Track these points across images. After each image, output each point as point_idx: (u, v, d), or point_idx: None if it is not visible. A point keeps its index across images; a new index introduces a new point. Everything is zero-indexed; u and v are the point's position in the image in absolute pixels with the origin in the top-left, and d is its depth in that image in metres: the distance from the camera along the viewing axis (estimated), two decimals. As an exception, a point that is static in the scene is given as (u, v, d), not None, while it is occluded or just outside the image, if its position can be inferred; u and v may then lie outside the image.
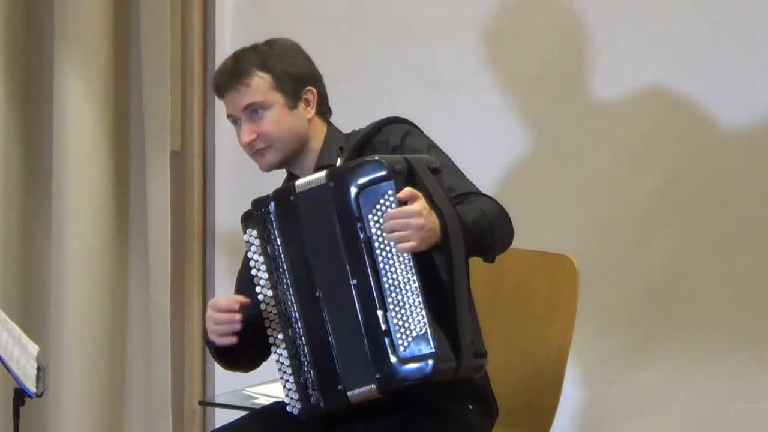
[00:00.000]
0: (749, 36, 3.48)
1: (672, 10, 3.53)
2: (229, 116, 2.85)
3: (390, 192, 2.54)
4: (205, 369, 4.15)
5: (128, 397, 4.07)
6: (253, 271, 2.73)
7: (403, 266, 2.55)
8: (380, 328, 2.56)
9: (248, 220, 2.74)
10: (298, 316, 2.67)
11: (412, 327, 2.54)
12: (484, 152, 3.61)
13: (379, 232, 2.55)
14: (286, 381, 2.71)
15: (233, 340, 2.73)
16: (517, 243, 2.74)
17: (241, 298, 2.73)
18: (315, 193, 2.63)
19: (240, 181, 4.08)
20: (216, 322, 2.73)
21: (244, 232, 2.73)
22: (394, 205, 2.53)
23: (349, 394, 2.62)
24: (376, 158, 2.57)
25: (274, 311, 2.71)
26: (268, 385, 3.41)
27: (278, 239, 2.68)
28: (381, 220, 2.55)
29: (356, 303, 2.59)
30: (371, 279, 2.57)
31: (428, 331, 2.52)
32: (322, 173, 2.63)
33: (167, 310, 3.92)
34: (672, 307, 3.58)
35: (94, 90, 3.90)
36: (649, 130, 3.58)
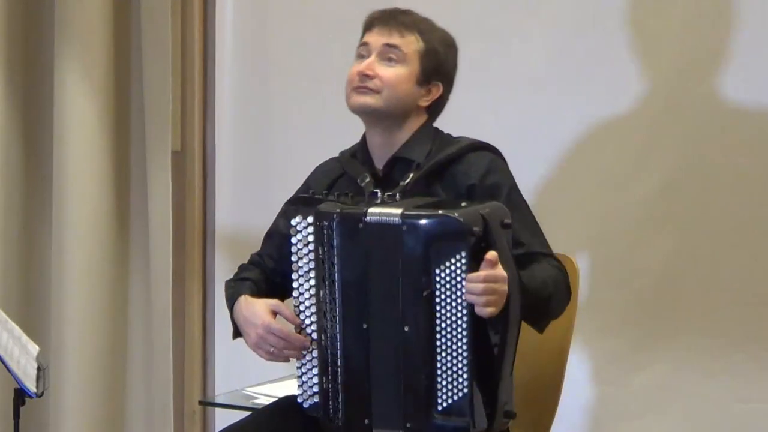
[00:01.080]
0: (749, 36, 3.48)
1: (672, 10, 3.54)
2: (361, 45, 2.83)
3: (463, 253, 2.51)
4: (205, 369, 4.15)
5: (128, 397, 4.06)
6: (294, 257, 2.69)
7: (458, 327, 2.54)
8: (422, 381, 2.57)
9: (303, 207, 2.69)
10: (339, 337, 2.64)
11: (454, 388, 2.55)
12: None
13: (443, 289, 2.53)
14: (304, 373, 2.71)
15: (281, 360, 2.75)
16: (518, 243, 2.74)
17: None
18: (385, 229, 2.59)
19: (240, 181, 4.08)
20: (273, 345, 2.71)
21: (294, 216, 2.68)
22: (464, 267, 2.51)
23: (374, 431, 2.62)
24: (455, 215, 2.52)
25: (307, 303, 2.69)
26: (268, 384, 3.42)
27: (335, 257, 2.64)
28: (447, 278, 2.52)
29: (403, 349, 2.58)
30: (424, 332, 2.56)
31: (469, 395, 2.53)
32: (398, 211, 2.58)
33: (168, 310, 3.92)
34: (672, 307, 3.58)
35: (94, 90, 3.90)
36: (649, 130, 3.58)
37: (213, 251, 4.14)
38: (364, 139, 2.88)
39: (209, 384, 4.14)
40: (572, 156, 3.64)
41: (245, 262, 2.98)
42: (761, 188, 3.49)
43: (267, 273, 2.89)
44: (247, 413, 3.02)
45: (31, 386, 2.83)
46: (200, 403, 4.10)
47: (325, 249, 2.64)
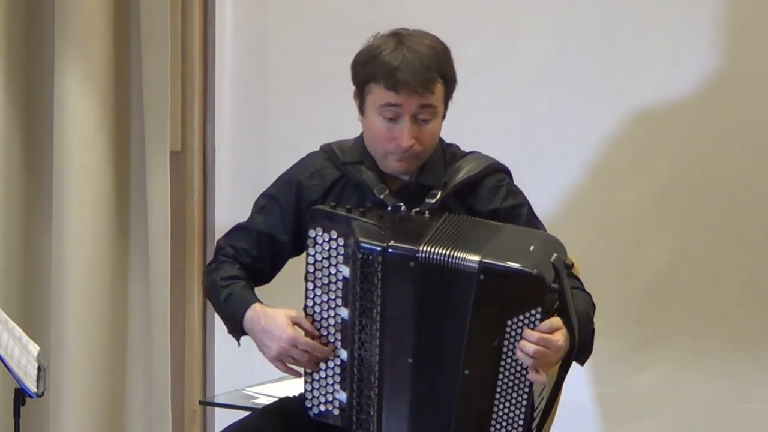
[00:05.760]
0: (749, 36, 3.48)
1: (672, 9, 3.54)
2: (388, 105, 2.69)
3: (539, 308, 2.50)
4: (205, 369, 4.15)
5: (128, 397, 4.07)
6: (311, 267, 2.65)
7: (522, 377, 2.54)
8: (474, 422, 2.57)
9: (323, 220, 2.64)
10: (376, 367, 2.61)
11: None
12: (483, 152, 3.62)
13: (511, 341, 2.52)
14: (316, 380, 2.69)
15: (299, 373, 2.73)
16: (518, 243, 2.74)
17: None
18: (456, 272, 2.54)
19: (240, 181, 4.08)
20: (297, 358, 2.68)
21: (313, 227, 2.63)
22: (537, 322, 2.50)
23: None
24: (536, 272, 2.49)
25: (325, 315, 2.66)
26: (268, 384, 3.42)
27: (378, 290, 2.58)
28: (518, 330, 2.51)
29: (458, 391, 2.57)
30: (486, 377, 2.54)
31: None
32: (476, 258, 2.52)
33: (167, 310, 3.92)
34: (672, 307, 3.58)
35: (94, 90, 3.90)
36: (649, 130, 3.58)
37: (213, 251, 4.14)
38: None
39: (209, 384, 4.14)
40: (572, 156, 3.64)
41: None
42: (761, 189, 3.49)
43: (245, 269, 2.87)
44: (247, 413, 3.02)
45: (31, 386, 2.83)
46: (200, 403, 4.10)
47: (363, 275, 2.59)
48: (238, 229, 2.94)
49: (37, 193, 4.02)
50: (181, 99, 4.07)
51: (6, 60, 3.90)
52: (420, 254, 2.55)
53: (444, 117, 2.78)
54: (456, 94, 3.71)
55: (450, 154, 2.84)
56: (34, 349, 2.92)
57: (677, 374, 3.57)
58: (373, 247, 2.57)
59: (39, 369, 2.86)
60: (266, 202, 2.90)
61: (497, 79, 3.69)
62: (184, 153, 4.11)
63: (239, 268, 2.87)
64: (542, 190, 3.65)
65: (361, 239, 2.58)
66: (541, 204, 3.60)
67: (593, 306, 2.77)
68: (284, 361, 2.69)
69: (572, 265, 2.61)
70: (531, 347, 2.49)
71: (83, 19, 3.87)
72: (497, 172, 2.84)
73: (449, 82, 2.75)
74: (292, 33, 3.99)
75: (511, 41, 3.70)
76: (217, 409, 3.99)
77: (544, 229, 2.84)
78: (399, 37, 2.75)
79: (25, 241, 4.01)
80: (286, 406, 2.87)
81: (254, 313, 2.75)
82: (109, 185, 3.98)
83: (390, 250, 2.57)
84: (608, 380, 3.63)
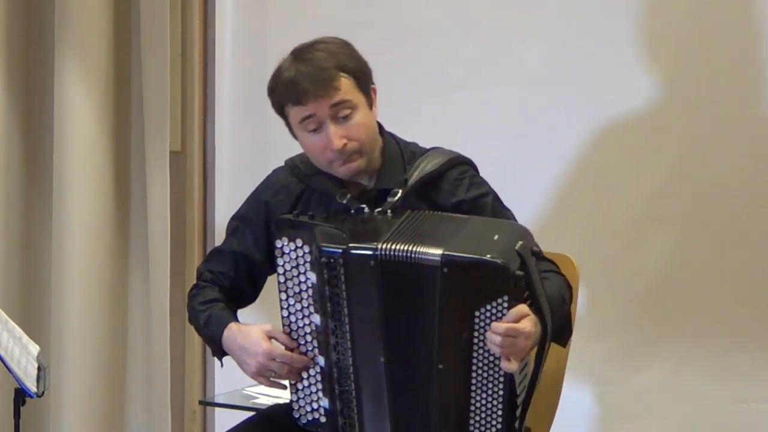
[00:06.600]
0: (748, 35, 3.48)
1: (672, 9, 3.54)
2: (305, 119, 2.73)
3: (505, 297, 2.50)
4: (205, 369, 4.15)
5: (128, 397, 4.07)
6: (281, 278, 2.67)
7: (496, 367, 2.54)
8: (454, 415, 2.57)
9: (288, 229, 2.65)
10: (351, 367, 2.62)
11: (487, 424, 2.57)
12: (483, 152, 3.61)
13: (481, 332, 2.52)
14: (300, 390, 2.70)
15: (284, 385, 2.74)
16: (518, 243, 2.74)
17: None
18: (423, 269, 2.54)
19: (240, 181, 4.08)
20: (276, 371, 2.69)
21: (279, 237, 2.65)
22: (505, 311, 2.50)
23: None
24: (500, 261, 2.49)
25: (300, 324, 2.67)
26: (268, 384, 3.41)
27: (343, 293, 2.59)
28: (487, 321, 2.51)
29: (434, 386, 2.57)
30: (460, 370, 2.54)
31: (502, 430, 2.56)
32: (438, 252, 2.53)
33: (167, 310, 3.92)
34: (672, 307, 3.58)
35: (94, 90, 3.90)
36: (649, 130, 3.58)
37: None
38: None
39: (209, 384, 4.14)
40: (572, 156, 3.64)
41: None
42: (760, 188, 3.49)
43: (224, 291, 2.88)
44: (246, 413, 3.02)
45: (31, 386, 2.83)
46: (200, 403, 4.10)
47: (328, 279, 2.60)
48: (214, 254, 2.96)
49: (37, 193, 4.02)
50: (181, 99, 4.08)
51: (6, 60, 3.90)
52: (379, 252, 2.57)
53: (371, 106, 2.78)
54: (456, 94, 3.73)
55: (409, 153, 2.83)
56: (34, 349, 2.92)
57: (677, 374, 3.57)
58: (334, 250, 2.59)
59: (39, 369, 2.86)
60: (237, 224, 2.92)
61: (497, 79, 3.69)
62: (184, 153, 4.11)
63: (218, 291, 2.88)
64: (542, 189, 3.66)
65: (322, 244, 2.60)
66: (541, 204, 3.62)
67: (568, 286, 2.76)
68: (265, 376, 2.70)
69: (540, 251, 2.62)
70: (498, 337, 2.49)
71: (83, 19, 3.87)
72: (460, 164, 2.83)
73: (356, 73, 2.74)
74: (292, 33, 3.96)
75: (511, 41, 3.70)
76: (217, 409, 3.99)
77: (513, 217, 2.83)
78: (294, 53, 2.77)
79: (25, 241, 4.01)
80: (277, 412, 2.87)
81: (231, 332, 2.77)
82: (109, 185, 3.98)
83: (351, 251, 2.58)
84: (608, 380, 3.63)
